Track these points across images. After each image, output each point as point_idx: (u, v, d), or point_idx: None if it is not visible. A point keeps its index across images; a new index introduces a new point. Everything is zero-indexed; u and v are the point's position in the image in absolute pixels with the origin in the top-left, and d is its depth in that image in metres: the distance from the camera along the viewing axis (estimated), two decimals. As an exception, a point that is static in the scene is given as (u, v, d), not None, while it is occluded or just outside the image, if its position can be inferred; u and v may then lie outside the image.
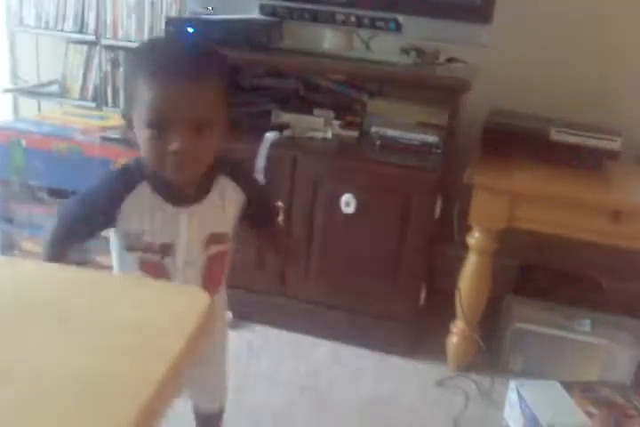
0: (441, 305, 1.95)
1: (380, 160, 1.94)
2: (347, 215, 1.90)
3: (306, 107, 2.13)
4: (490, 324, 1.96)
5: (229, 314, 2.02)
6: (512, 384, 1.76)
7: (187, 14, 2.29)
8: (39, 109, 2.74)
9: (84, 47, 2.54)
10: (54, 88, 2.64)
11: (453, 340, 1.93)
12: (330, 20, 2.03)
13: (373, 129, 2.05)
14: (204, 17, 2.09)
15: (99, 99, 2.54)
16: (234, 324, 2.03)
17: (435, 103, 2.03)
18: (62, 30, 2.52)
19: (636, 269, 2.05)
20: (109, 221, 1.03)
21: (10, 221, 2.20)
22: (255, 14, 2.09)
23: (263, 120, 2.11)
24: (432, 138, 1.99)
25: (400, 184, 1.88)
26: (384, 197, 1.89)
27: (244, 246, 1.26)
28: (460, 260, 1.89)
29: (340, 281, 1.98)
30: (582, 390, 1.74)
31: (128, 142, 1.05)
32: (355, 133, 2.09)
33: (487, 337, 1.93)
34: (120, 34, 2.46)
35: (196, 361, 1.15)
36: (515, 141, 1.94)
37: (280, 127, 2.03)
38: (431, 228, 1.89)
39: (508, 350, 1.95)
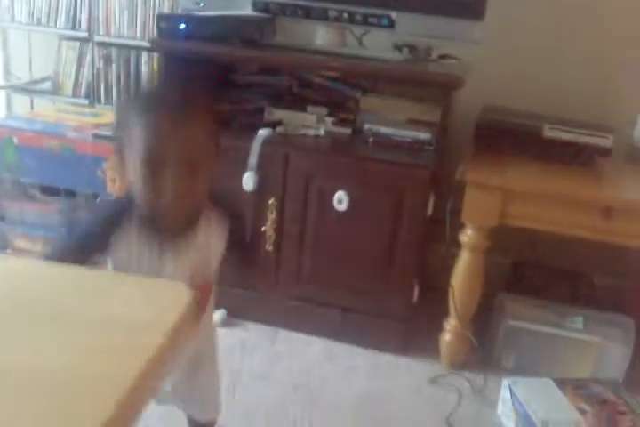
0: (434, 303, 1.95)
1: (372, 157, 1.93)
2: (339, 212, 1.90)
3: (299, 104, 2.13)
4: (483, 321, 1.96)
5: (223, 312, 2.03)
6: (505, 382, 1.76)
7: (179, 10, 2.29)
8: (32, 106, 2.73)
9: (77, 44, 2.52)
10: (47, 85, 2.63)
11: (446, 337, 1.93)
12: (322, 16, 2.02)
13: (366, 126, 2.05)
14: (195, 13, 2.09)
15: (91, 96, 2.53)
16: (226, 322, 2.03)
17: (427, 100, 2.03)
18: (55, 27, 2.51)
19: (627, 265, 2.06)
20: (103, 249, 1.04)
21: (2, 218, 2.20)
22: (247, 11, 2.08)
23: (256, 117, 2.10)
24: (425, 135, 1.99)
25: (393, 181, 1.87)
26: (377, 194, 1.89)
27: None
28: (454, 257, 1.89)
29: (333, 279, 1.97)
30: (575, 387, 1.74)
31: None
32: (347, 130, 2.09)
33: (480, 335, 1.92)
34: (112, 30, 2.45)
35: (181, 362, 1.16)
36: (507, 138, 1.93)
37: (273, 124, 2.02)
38: (424, 225, 1.88)
39: (500, 347, 1.95)
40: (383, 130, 2.03)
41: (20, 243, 2.21)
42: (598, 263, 2.09)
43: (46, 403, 0.46)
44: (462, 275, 1.87)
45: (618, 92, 2.12)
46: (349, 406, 1.76)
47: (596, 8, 2.08)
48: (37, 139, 2.12)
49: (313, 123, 2.07)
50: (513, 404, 1.70)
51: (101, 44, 2.48)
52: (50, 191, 2.15)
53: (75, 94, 2.56)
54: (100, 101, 2.53)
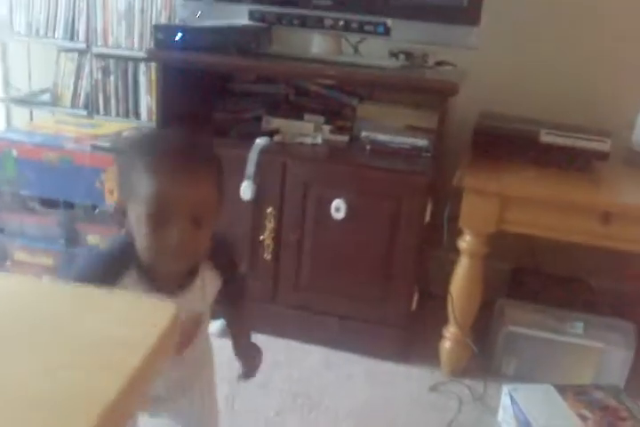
0: (434, 310, 1.95)
1: (370, 164, 1.93)
2: (337, 220, 1.90)
3: (296, 112, 2.13)
4: (483, 328, 1.96)
5: (221, 322, 2.02)
6: (505, 388, 1.75)
7: (176, 21, 2.30)
8: (31, 118, 2.74)
9: (75, 55, 2.53)
10: (46, 97, 2.64)
11: (446, 345, 1.92)
12: (318, 24, 2.03)
13: (363, 133, 2.05)
14: (192, 23, 2.09)
15: (90, 107, 2.54)
16: (225, 332, 2.02)
17: (424, 107, 2.03)
18: (53, 38, 2.52)
19: (627, 270, 2.05)
20: None
21: (1, 231, 2.20)
22: (244, 20, 2.09)
23: (253, 126, 2.11)
24: (422, 141, 1.99)
25: (390, 188, 1.87)
26: (374, 201, 1.89)
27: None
28: (453, 264, 1.88)
29: (332, 287, 1.97)
30: (575, 393, 1.73)
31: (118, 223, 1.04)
32: (345, 138, 2.09)
33: (480, 341, 1.92)
34: (110, 41, 2.46)
35: (162, 382, 1.15)
36: (504, 144, 1.93)
37: (270, 133, 2.02)
38: (422, 232, 1.88)
39: (500, 353, 1.94)
40: (380, 137, 2.03)
41: (20, 255, 2.21)
42: (598, 268, 2.08)
43: (24, 419, 0.46)
44: (461, 281, 1.86)
45: (615, 95, 2.12)
46: (349, 414, 1.75)
47: (592, 12, 2.09)
48: (36, 151, 2.12)
49: (310, 131, 2.08)
50: (513, 411, 1.69)
51: (99, 56, 2.49)
52: (49, 203, 2.16)
53: (73, 106, 2.57)
54: (98, 112, 2.54)
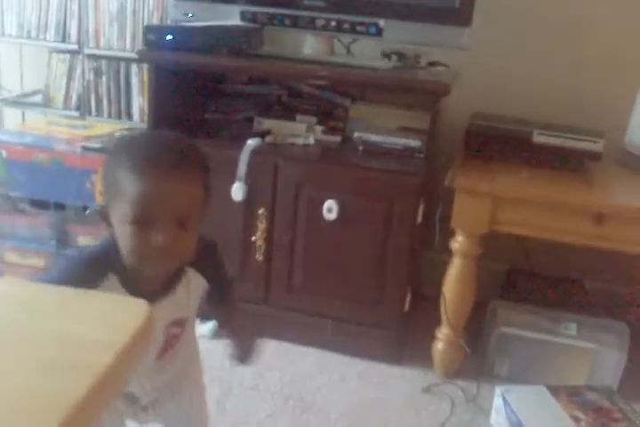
0: (427, 311, 1.94)
1: (362, 165, 1.93)
2: (329, 221, 1.89)
3: (288, 113, 2.13)
4: (476, 329, 1.95)
5: (213, 323, 2.01)
6: (497, 390, 1.74)
7: (168, 22, 2.29)
8: (23, 119, 2.73)
9: (67, 56, 2.52)
10: (38, 98, 2.63)
11: (439, 346, 1.91)
12: (310, 25, 2.02)
13: (356, 134, 2.04)
14: (183, 24, 2.09)
15: (82, 108, 2.53)
16: (217, 333, 2.02)
17: (416, 107, 2.03)
18: (45, 39, 2.51)
19: (620, 271, 2.04)
20: None
21: (-4, 233, 2.19)
22: (236, 21, 2.08)
23: (245, 127, 2.10)
24: (414, 142, 1.98)
25: (383, 189, 1.86)
26: (367, 202, 1.88)
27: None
28: (445, 265, 1.87)
29: (324, 288, 1.96)
30: (569, 394, 1.72)
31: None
32: (337, 139, 2.08)
33: (473, 343, 1.91)
34: (102, 42, 2.45)
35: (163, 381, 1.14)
36: (497, 144, 1.93)
37: (262, 134, 2.01)
38: (414, 232, 1.87)
39: (493, 355, 1.93)
40: (373, 138, 2.02)
41: (11, 256, 2.20)
42: (591, 269, 2.07)
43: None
44: (454, 282, 1.85)
45: (607, 96, 2.11)
46: (342, 416, 1.74)
47: (583, 13, 2.08)
48: (27, 152, 2.11)
49: (302, 132, 2.07)
50: (506, 412, 1.68)
51: (91, 57, 2.48)
52: (39, 205, 2.15)
53: (65, 107, 2.56)
54: (90, 113, 2.52)
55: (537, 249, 2.03)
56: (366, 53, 2.13)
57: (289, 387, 1.83)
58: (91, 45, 2.46)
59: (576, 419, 1.63)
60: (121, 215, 0.95)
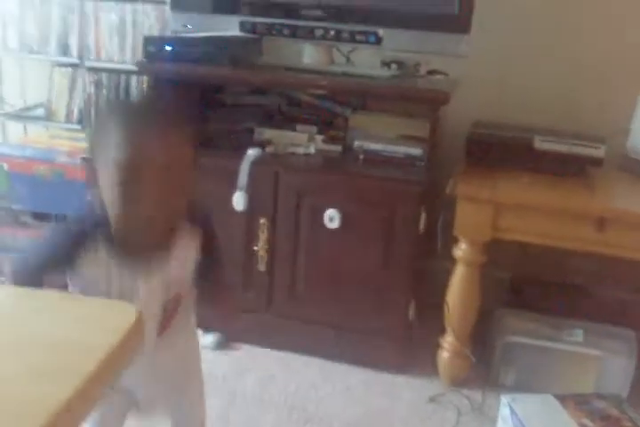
0: (431, 319, 1.92)
1: (363, 174, 1.92)
2: (331, 230, 1.88)
3: (288, 123, 2.12)
4: (481, 337, 1.93)
5: (217, 334, 2.00)
6: (504, 399, 1.71)
7: (168, 34, 2.30)
8: (26, 133, 2.73)
9: (68, 70, 2.53)
10: (40, 111, 2.64)
11: (444, 355, 1.89)
12: (309, 35, 2.02)
13: (356, 143, 2.04)
14: (183, 35, 2.09)
15: (84, 121, 2.53)
16: (221, 344, 2.01)
17: (417, 116, 2.02)
18: (46, 53, 2.52)
19: (625, 276, 2.02)
20: (69, 268, 1.01)
21: (-5, 246, 2.19)
22: (235, 31, 2.08)
23: (246, 137, 2.09)
24: (415, 150, 1.97)
25: (384, 197, 1.85)
26: (368, 210, 1.87)
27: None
28: (449, 273, 1.86)
29: (327, 297, 1.95)
30: (576, 402, 1.69)
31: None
32: (338, 148, 2.08)
33: (479, 351, 1.89)
34: (103, 55, 2.46)
35: (163, 374, 1.12)
36: (498, 151, 1.92)
37: (262, 144, 2.01)
38: (417, 241, 1.86)
39: (499, 363, 1.91)
40: (373, 146, 2.01)
41: (14, 269, 2.19)
42: (597, 275, 2.05)
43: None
44: (458, 291, 1.84)
45: (608, 102, 2.10)
46: (346, 426, 1.73)
47: (581, 18, 2.08)
48: (27, 165, 2.11)
49: (303, 141, 2.07)
50: (512, 421, 1.66)
51: (92, 70, 2.49)
52: (41, 217, 2.15)
53: (67, 120, 2.56)
54: (91, 126, 2.53)
55: (541, 256, 2.01)
56: (366, 62, 2.13)
57: (292, 397, 1.82)
58: (91, 58, 2.47)
59: (584, 427, 1.61)
60: (107, 178, 0.94)
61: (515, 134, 1.94)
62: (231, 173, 1.90)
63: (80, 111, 2.54)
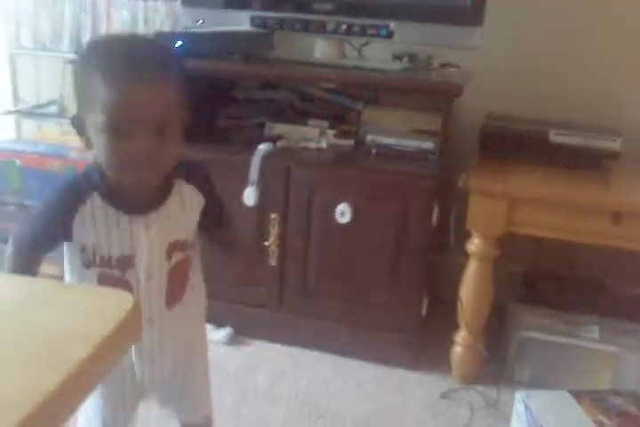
0: (444, 315, 1.90)
1: (375, 168, 1.91)
2: (343, 225, 1.86)
3: (300, 117, 2.11)
4: (495, 333, 1.91)
5: (229, 329, 2.00)
6: (518, 395, 1.69)
7: (179, 30, 2.29)
8: (39, 130, 2.74)
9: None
10: (53, 108, 2.64)
11: (457, 350, 1.87)
12: (320, 29, 2.01)
13: (368, 137, 2.02)
14: (193, 30, 2.09)
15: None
16: (233, 340, 2.00)
17: (429, 109, 2.00)
18: (59, 51, 2.53)
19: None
20: (66, 233, 1.00)
21: (6, 241, 2.19)
22: (246, 26, 2.07)
23: (257, 133, 2.09)
24: (428, 144, 1.95)
25: (396, 191, 1.84)
26: (380, 205, 1.85)
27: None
28: (462, 268, 1.84)
29: (339, 293, 1.93)
30: (592, 399, 1.67)
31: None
32: (350, 142, 2.06)
33: (492, 347, 1.87)
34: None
35: (168, 359, 1.11)
36: (512, 144, 1.90)
37: (274, 139, 2.00)
38: (429, 235, 1.84)
39: (513, 359, 1.88)
40: (386, 140, 2.00)
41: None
42: (612, 270, 2.02)
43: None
44: (471, 285, 1.82)
45: (623, 93, 2.07)
46: (358, 423, 1.71)
47: (597, 10, 2.05)
48: (41, 161, 2.12)
49: (315, 136, 2.05)
50: (527, 418, 1.64)
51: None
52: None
53: (80, 116, 2.57)
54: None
55: (555, 250, 1.99)
56: (378, 56, 2.11)
57: (304, 393, 1.81)
58: (104, 55, 2.47)
59: (600, 424, 1.57)
60: (95, 124, 0.92)
61: (529, 127, 1.92)
62: (242, 168, 1.89)
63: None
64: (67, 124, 2.56)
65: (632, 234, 1.65)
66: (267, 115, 2.13)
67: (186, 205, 1.06)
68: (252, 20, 2.07)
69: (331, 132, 2.06)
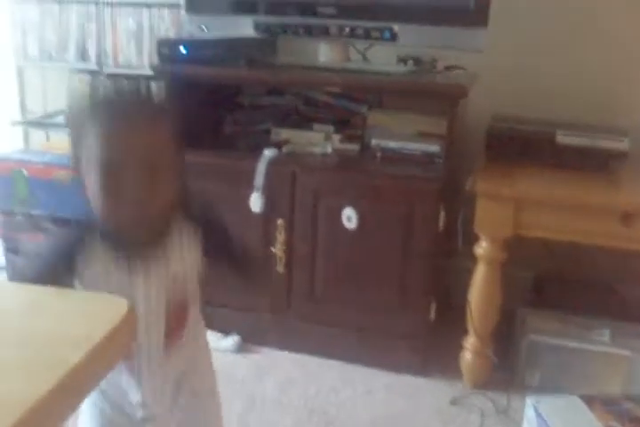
0: (453, 319, 1.88)
1: (381, 172, 1.90)
2: (349, 230, 1.85)
3: (305, 122, 2.11)
4: (505, 338, 1.89)
5: (236, 337, 1.99)
6: (528, 401, 1.67)
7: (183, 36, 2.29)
8: (48, 140, 2.76)
9: (87, 76, 2.55)
10: (61, 118, 2.65)
11: (467, 356, 1.85)
12: (324, 33, 2.00)
13: (374, 141, 2.01)
14: (196, 37, 2.09)
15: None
16: (241, 347, 1.99)
17: (434, 112, 1.98)
18: (65, 61, 2.54)
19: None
20: (69, 277, 0.99)
21: (15, 251, 2.20)
22: (249, 32, 2.07)
23: (262, 138, 2.08)
24: (433, 147, 1.94)
25: (402, 195, 1.82)
26: (386, 209, 1.84)
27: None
28: (470, 272, 1.82)
29: (347, 299, 1.92)
30: (604, 403, 1.64)
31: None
32: (355, 147, 2.05)
33: (502, 352, 1.85)
34: (121, 60, 2.47)
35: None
36: (519, 146, 1.88)
37: (279, 144, 1.99)
38: (436, 239, 1.82)
39: (524, 364, 1.86)
40: (391, 144, 1.99)
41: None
42: (623, 273, 1.99)
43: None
44: (479, 290, 1.80)
45: (631, 92, 2.05)
46: (367, 430, 1.69)
47: (601, 9, 2.03)
48: (47, 170, 2.13)
49: (320, 141, 2.05)
50: (538, 424, 1.61)
51: (111, 75, 2.50)
52: (61, 222, 2.15)
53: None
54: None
55: (564, 253, 1.96)
56: (382, 59, 2.10)
57: (313, 400, 1.79)
58: (110, 64, 2.48)
59: (612, 429, 1.55)
60: (90, 171, 0.93)
61: (535, 128, 1.90)
62: (248, 173, 1.88)
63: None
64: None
65: (641, 235, 1.62)
66: (272, 120, 2.12)
67: (184, 251, 1.05)
68: (256, 25, 2.07)
69: (336, 137, 2.05)
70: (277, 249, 1.93)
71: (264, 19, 2.05)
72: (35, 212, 2.15)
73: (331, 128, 2.07)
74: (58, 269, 1.00)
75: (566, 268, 2.05)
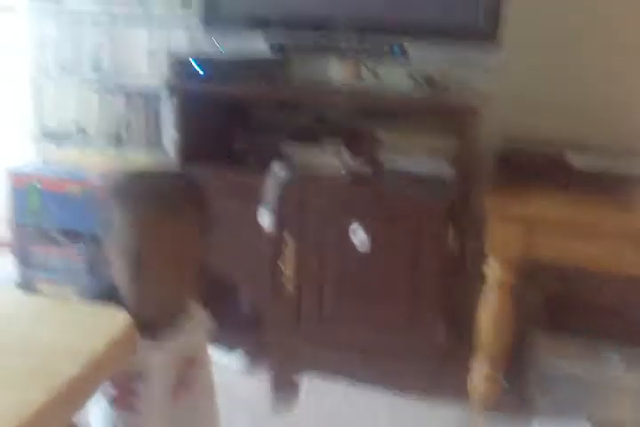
0: (463, 341, 1.86)
1: (391, 192, 1.89)
2: (358, 249, 1.84)
3: (316, 140, 2.10)
4: (515, 361, 1.86)
5: (242, 356, 1.98)
6: (537, 426, 1.64)
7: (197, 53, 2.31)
8: (60, 153, 2.78)
9: (101, 90, 2.57)
10: (74, 131, 2.67)
11: (475, 378, 1.82)
12: (335, 50, 2.02)
13: (384, 159, 2.00)
14: (210, 54, 2.10)
15: (116, 140, 2.56)
16: (244, 363, 1.98)
17: (446, 132, 1.97)
18: (79, 74, 2.57)
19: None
20: None
21: (27, 263, 2.21)
22: (262, 49, 2.08)
23: (273, 155, 2.08)
24: (444, 167, 1.93)
25: (412, 215, 1.81)
26: (396, 229, 1.83)
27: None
28: (480, 293, 1.80)
29: (355, 319, 1.90)
30: (614, 431, 1.61)
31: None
32: (366, 165, 2.04)
33: (512, 376, 1.82)
34: (134, 75, 2.49)
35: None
36: (530, 167, 1.86)
37: (289, 161, 1.99)
38: (446, 259, 1.81)
39: (534, 388, 1.83)
40: (401, 163, 1.98)
41: (45, 288, 2.21)
42: (632, 297, 1.96)
43: None
44: (489, 312, 1.77)
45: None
46: (372, 453, 1.67)
47: (615, 29, 2.01)
48: (60, 184, 2.14)
49: (330, 158, 2.04)
50: (546, 451, 1.59)
51: (124, 90, 2.52)
52: (73, 235, 2.17)
53: (101, 139, 2.60)
54: (124, 145, 2.56)
55: (578, 277, 1.93)
56: (394, 77, 2.10)
57: (319, 422, 1.77)
58: (123, 79, 2.50)
59: (622, 458, 1.52)
60: (117, 257, 0.95)
61: (547, 150, 1.88)
62: (258, 191, 1.88)
63: (113, 130, 2.57)
64: (88, 147, 2.60)
65: (655, 261, 1.59)
66: (283, 137, 2.12)
67: (197, 329, 1.07)
68: (268, 42, 2.08)
69: (347, 155, 2.05)
70: (286, 267, 1.92)
71: (276, 36, 2.06)
72: (46, 224, 2.16)
73: (341, 146, 2.07)
74: None
75: (580, 291, 2.02)
